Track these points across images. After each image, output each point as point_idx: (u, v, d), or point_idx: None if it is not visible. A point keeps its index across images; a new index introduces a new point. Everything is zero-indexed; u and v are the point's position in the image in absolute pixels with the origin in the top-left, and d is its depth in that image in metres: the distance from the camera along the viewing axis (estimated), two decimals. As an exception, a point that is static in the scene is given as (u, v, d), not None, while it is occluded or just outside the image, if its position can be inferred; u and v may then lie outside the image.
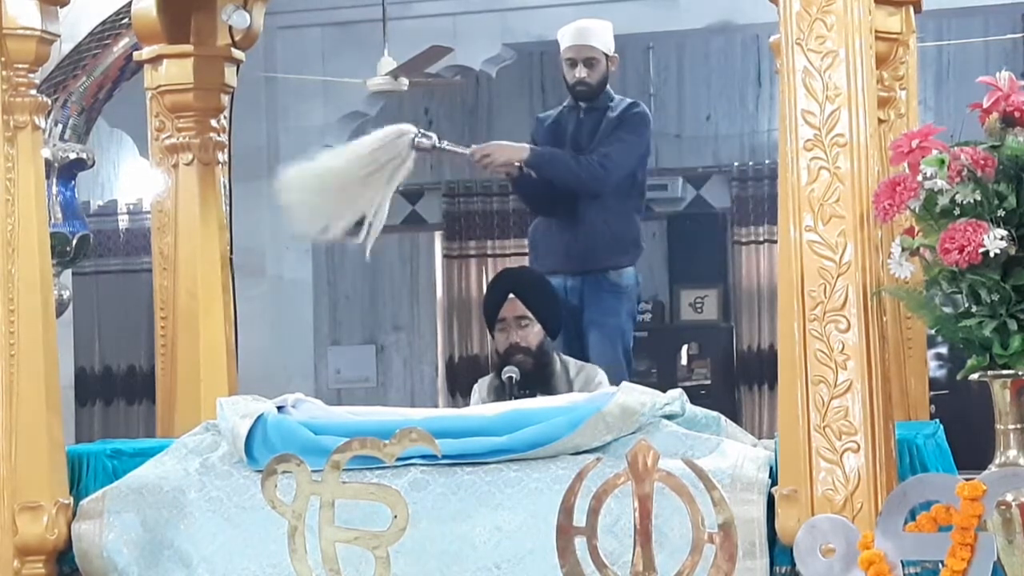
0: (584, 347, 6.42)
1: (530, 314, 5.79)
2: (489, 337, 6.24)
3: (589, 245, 6.45)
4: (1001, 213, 3.15)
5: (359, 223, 5.76)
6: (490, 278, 11.73)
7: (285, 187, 5.61)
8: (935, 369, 9.73)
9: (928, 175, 3.17)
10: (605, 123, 6.56)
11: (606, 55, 6.63)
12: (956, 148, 3.20)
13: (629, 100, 6.77)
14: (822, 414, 3.29)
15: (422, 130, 6.20)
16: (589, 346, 6.43)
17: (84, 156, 6.25)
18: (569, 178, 6.44)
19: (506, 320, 5.81)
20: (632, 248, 6.61)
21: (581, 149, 6.51)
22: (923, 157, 3.19)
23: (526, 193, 6.71)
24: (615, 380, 4.11)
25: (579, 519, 2.99)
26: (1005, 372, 3.17)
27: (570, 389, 5.62)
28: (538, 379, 5.69)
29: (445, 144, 6.34)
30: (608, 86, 6.67)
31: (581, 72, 6.58)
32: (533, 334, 5.78)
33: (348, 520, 3.19)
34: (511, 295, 5.84)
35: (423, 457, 3.59)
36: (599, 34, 6.64)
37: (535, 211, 6.78)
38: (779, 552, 3.44)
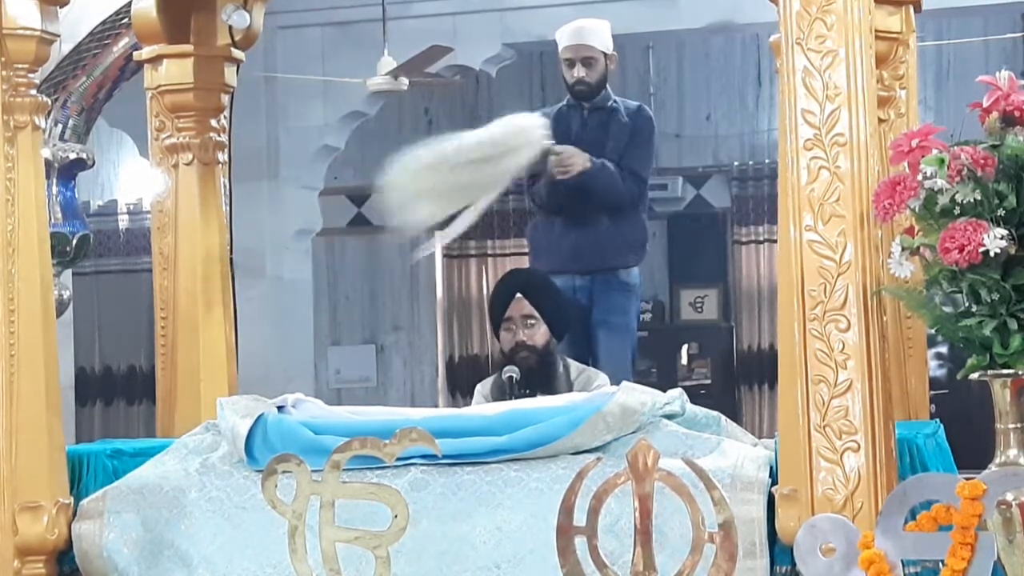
0: (592, 346, 6.42)
1: (537, 314, 5.80)
2: (491, 337, 6.25)
3: (599, 245, 6.46)
4: (1001, 212, 3.15)
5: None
6: (490, 278, 11.76)
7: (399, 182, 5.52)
8: (935, 369, 9.72)
9: (928, 174, 3.17)
10: (616, 126, 6.58)
11: (604, 54, 6.63)
12: (956, 147, 3.20)
13: (635, 103, 6.78)
14: (822, 414, 3.29)
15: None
16: (598, 345, 6.43)
17: (84, 156, 6.23)
18: (612, 194, 6.49)
19: (512, 319, 5.81)
20: (640, 247, 6.64)
21: (590, 148, 6.51)
22: (923, 156, 3.19)
23: (547, 195, 6.63)
24: (622, 380, 4.12)
25: (579, 519, 2.99)
26: (1005, 371, 3.18)
27: (570, 391, 5.62)
28: (540, 379, 5.69)
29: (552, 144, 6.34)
30: (607, 85, 6.67)
31: (580, 72, 6.58)
32: (540, 334, 5.78)
33: (348, 520, 3.19)
34: (518, 294, 5.85)
35: (423, 457, 3.59)
36: (597, 33, 6.64)
37: (544, 211, 6.70)
38: (779, 552, 3.44)
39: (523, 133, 6.01)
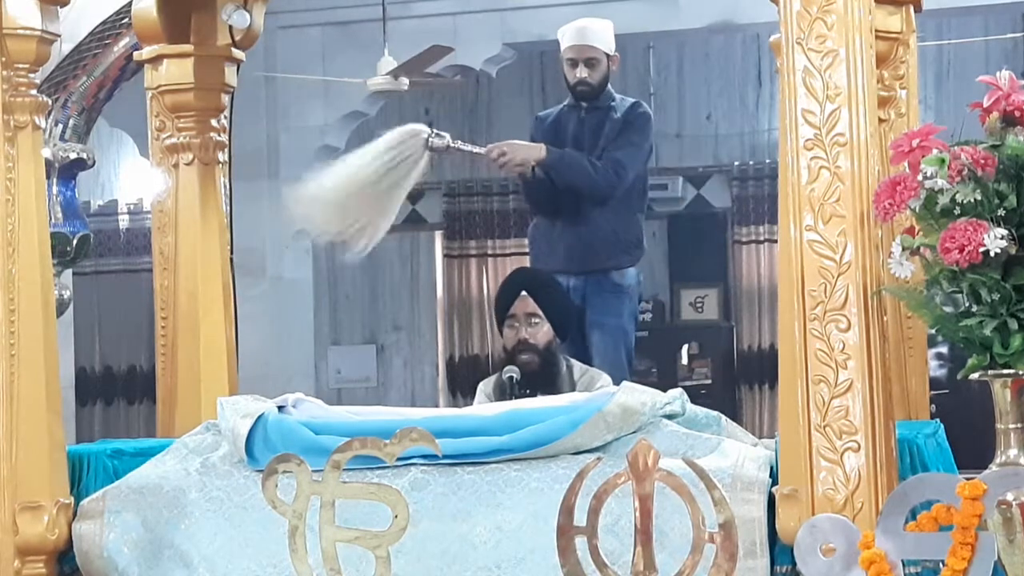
0: (587, 347, 6.42)
1: (540, 312, 5.80)
2: (491, 337, 6.26)
3: (592, 245, 6.45)
4: (1001, 212, 3.15)
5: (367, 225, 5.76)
6: (490, 278, 11.76)
7: (301, 199, 5.57)
8: (935, 368, 9.73)
9: (928, 174, 3.16)
10: (609, 123, 6.56)
11: (607, 54, 6.62)
12: (956, 147, 3.20)
13: (631, 100, 6.76)
14: (822, 413, 3.29)
15: (436, 130, 6.19)
16: (592, 346, 6.43)
17: (84, 156, 6.24)
18: (584, 182, 6.42)
19: (516, 316, 5.82)
20: (634, 248, 6.61)
21: (585, 148, 6.51)
22: (923, 156, 3.19)
23: (533, 193, 6.66)
24: (617, 380, 4.12)
25: (580, 519, 2.99)
26: (1006, 371, 3.17)
27: (573, 391, 5.61)
28: (542, 379, 5.69)
29: (459, 143, 6.32)
30: (609, 85, 6.67)
31: (582, 72, 6.57)
32: (542, 333, 5.79)
33: (348, 520, 3.19)
34: (523, 292, 5.85)
35: (423, 457, 3.59)
36: (600, 33, 6.63)
37: (538, 212, 6.74)
38: (780, 551, 3.44)
39: (403, 136, 6.03)
